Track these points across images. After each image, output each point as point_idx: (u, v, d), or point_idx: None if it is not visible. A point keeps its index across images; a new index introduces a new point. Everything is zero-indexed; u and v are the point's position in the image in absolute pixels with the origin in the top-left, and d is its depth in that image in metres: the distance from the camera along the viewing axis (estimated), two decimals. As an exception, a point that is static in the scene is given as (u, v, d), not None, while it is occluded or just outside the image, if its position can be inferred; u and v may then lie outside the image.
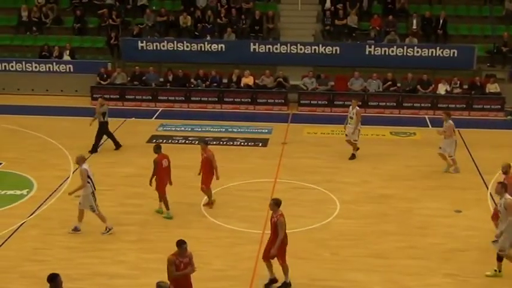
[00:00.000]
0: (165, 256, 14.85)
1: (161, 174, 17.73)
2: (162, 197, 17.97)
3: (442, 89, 28.43)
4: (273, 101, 28.77)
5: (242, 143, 24.14)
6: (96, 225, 17.27)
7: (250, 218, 17.79)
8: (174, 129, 25.70)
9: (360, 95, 28.28)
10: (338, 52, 29.67)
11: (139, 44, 30.42)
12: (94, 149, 22.68)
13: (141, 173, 20.69)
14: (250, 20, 31.30)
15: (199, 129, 25.56)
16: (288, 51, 29.89)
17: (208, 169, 18.31)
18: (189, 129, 25.69)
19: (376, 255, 15.87)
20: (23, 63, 30.76)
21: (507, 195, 14.77)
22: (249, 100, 28.78)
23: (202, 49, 30.17)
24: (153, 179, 17.76)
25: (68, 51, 30.81)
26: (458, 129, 24.63)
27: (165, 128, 25.79)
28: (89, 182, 16.66)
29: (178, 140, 24.33)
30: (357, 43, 30.39)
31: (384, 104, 28.33)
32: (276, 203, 14.29)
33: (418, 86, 28.48)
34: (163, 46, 30.35)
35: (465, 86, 28.65)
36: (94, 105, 28.79)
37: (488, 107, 28.12)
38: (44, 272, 14.66)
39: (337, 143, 24.07)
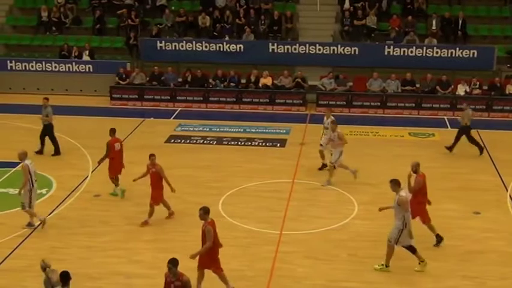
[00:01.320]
0: (181, 256, 14.86)
1: (113, 157, 19.06)
2: (111, 178, 19.22)
3: (461, 89, 28.27)
4: (291, 101, 28.75)
5: (260, 144, 24.14)
6: (114, 225, 17.37)
7: (268, 219, 17.78)
8: (192, 129, 25.75)
9: (379, 96, 28.22)
10: (357, 52, 29.59)
11: (158, 44, 30.52)
12: (57, 151, 22.63)
13: (159, 173, 20.81)
14: (269, 20, 31.28)
15: (218, 130, 25.59)
16: (307, 51, 29.85)
17: (158, 184, 17.23)
18: (207, 129, 25.73)
19: (393, 257, 15.73)
20: (43, 63, 30.99)
21: (401, 192, 14.94)
22: (267, 100, 28.77)
23: (221, 49, 30.22)
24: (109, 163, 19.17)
25: (87, 52, 30.99)
26: (477, 130, 24.56)
27: (183, 128, 25.85)
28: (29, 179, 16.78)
29: (196, 140, 24.37)
30: (376, 44, 30.29)
31: (403, 104, 28.19)
32: (204, 211, 13.94)
33: (437, 87, 28.32)
34: (182, 46, 30.42)
35: (485, 87, 28.46)
36: (113, 105, 29.11)
37: (508, 108, 27.90)
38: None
39: (356, 144, 23.98)
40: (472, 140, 22.95)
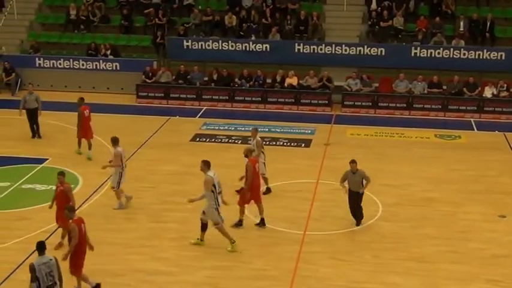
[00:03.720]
0: (204, 254, 15.02)
1: (83, 123, 21.92)
2: (79, 142, 22.20)
3: (488, 92, 28.04)
4: (316, 101, 28.71)
5: (285, 143, 24.15)
6: (138, 222, 17.50)
7: (292, 219, 17.80)
8: (217, 128, 25.84)
9: (405, 97, 28.10)
10: (383, 53, 29.45)
11: (185, 43, 30.64)
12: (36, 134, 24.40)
13: (184, 171, 20.95)
14: (295, 20, 31.28)
15: (243, 129, 25.62)
16: (333, 52, 29.77)
17: (64, 204, 15.27)
18: (233, 128, 25.80)
19: (417, 259, 15.74)
20: (71, 60, 31.28)
21: (208, 173, 15.67)
22: (293, 100, 28.75)
23: (247, 49, 30.25)
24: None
25: (109, 51, 31.23)
26: (504, 133, 24.38)
27: (208, 127, 25.95)
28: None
29: (221, 139, 24.45)
30: (403, 44, 30.12)
31: (429, 106, 28.02)
32: (69, 210, 13.98)
33: (464, 89, 28.12)
34: (209, 45, 30.52)
35: (512, 89, 28.25)
36: (139, 103, 29.30)
37: (536, 111, 27.65)
38: (87, 267, 14.95)
39: (380, 145, 23.95)
40: None
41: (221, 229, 15.95)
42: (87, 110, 22.36)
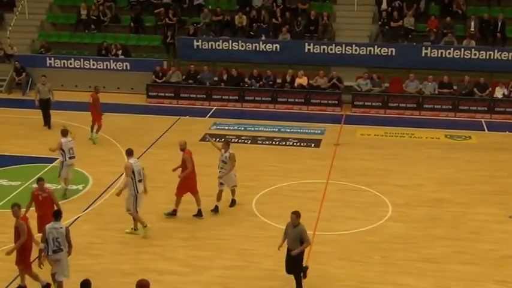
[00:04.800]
0: (214, 254, 15.02)
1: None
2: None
3: (499, 92, 27.96)
4: (326, 101, 28.68)
5: (295, 143, 24.14)
6: (148, 221, 17.50)
7: (301, 219, 17.65)
8: (227, 128, 25.86)
9: (415, 97, 28.04)
10: (393, 53, 29.41)
11: (195, 43, 30.69)
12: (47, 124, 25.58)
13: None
14: (306, 20, 31.26)
15: (252, 129, 25.65)
16: (343, 52, 29.75)
17: (50, 210, 14.79)
18: (242, 128, 25.81)
19: (427, 260, 15.70)
20: (81, 60, 31.40)
21: (129, 160, 16.46)
22: (303, 100, 28.75)
23: (257, 49, 30.27)
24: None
25: (120, 51, 31.32)
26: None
27: (218, 127, 25.97)
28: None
29: (231, 139, 24.32)
30: (413, 45, 30.06)
31: (440, 106, 27.96)
32: (18, 207, 13.90)
33: (475, 89, 28.04)
34: (219, 45, 30.56)
35: (523, 90, 28.14)
36: (149, 103, 29.38)
37: (546, 111, 27.54)
38: (98, 266, 15.07)
39: (391, 146, 23.91)
40: None
41: (133, 215, 16.72)
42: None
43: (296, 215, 13.90)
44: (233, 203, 18.64)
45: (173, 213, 17.85)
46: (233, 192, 18.57)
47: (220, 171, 18.10)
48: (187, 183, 17.67)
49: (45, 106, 25.62)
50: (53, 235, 13.36)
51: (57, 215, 13.64)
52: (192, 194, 17.81)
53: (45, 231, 13.44)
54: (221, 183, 18.13)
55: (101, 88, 25.89)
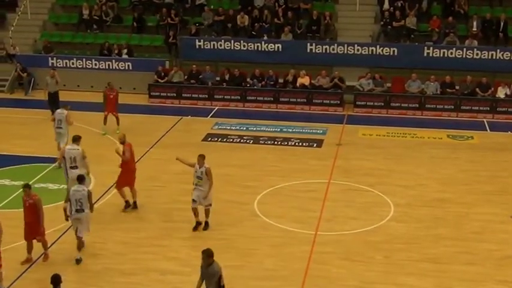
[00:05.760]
0: (215, 254, 14.90)
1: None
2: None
3: (501, 92, 27.91)
4: (328, 101, 28.66)
5: (297, 143, 24.12)
6: (150, 221, 17.52)
7: (303, 219, 17.78)
8: (229, 128, 25.84)
9: (417, 97, 28.02)
10: (396, 53, 29.37)
11: (197, 43, 30.68)
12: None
13: (196, 171, 20.95)
14: (308, 20, 31.24)
15: (254, 129, 25.64)
16: (345, 51, 29.72)
17: (35, 217, 15.20)
18: (244, 128, 25.79)
19: (429, 260, 15.68)
20: (83, 60, 31.41)
21: (68, 145, 17.59)
22: (305, 100, 28.72)
23: (259, 49, 30.25)
24: None
25: (125, 50, 31.33)
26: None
27: (220, 127, 25.96)
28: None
29: (233, 139, 24.45)
30: (415, 44, 30.02)
31: (442, 106, 27.91)
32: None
33: (477, 89, 28.00)
34: (221, 45, 30.54)
35: (525, 90, 28.09)
36: (151, 103, 29.38)
37: (549, 111, 27.49)
38: (98, 266, 15.08)
39: (393, 145, 23.88)
40: None
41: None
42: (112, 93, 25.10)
43: (206, 254, 12.22)
44: (206, 225, 17.04)
45: (128, 206, 18.20)
46: (207, 212, 16.95)
47: (195, 188, 16.65)
48: (127, 176, 18.02)
49: (54, 99, 26.03)
50: (75, 196, 15.12)
51: (81, 179, 15.41)
52: (130, 187, 18.15)
53: (69, 193, 15.31)
54: (194, 200, 16.69)
55: (103, 88, 25.99)
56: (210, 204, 16.95)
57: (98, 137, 24.18)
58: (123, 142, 18.03)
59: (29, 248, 15.48)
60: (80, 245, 15.41)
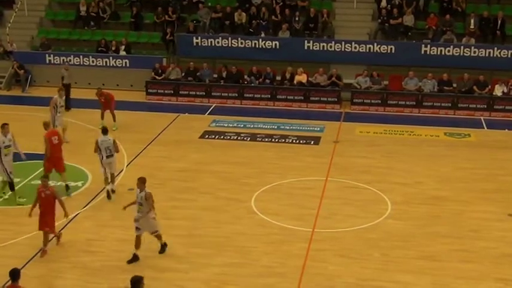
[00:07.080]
0: (213, 251, 15.00)
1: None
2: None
3: (498, 90, 27.94)
4: (326, 99, 28.66)
5: (294, 141, 24.12)
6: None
7: (300, 216, 17.79)
8: (226, 125, 25.83)
9: (415, 95, 28.04)
10: (393, 51, 29.37)
11: (194, 40, 30.66)
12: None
13: (193, 168, 20.98)
14: (305, 17, 31.24)
15: (252, 126, 25.63)
16: (343, 49, 29.70)
17: (52, 208, 15.63)
18: (242, 125, 25.79)
19: (427, 258, 15.70)
20: (81, 57, 31.36)
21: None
22: (302, 98, 28.71)
23: (257, 46, 30.23)
24: None
25: (123, 47, 31.31)
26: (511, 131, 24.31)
27: (217, 124, 25.95)
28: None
29: (230, 136, 24.45)
30: (413, 42, 30.03)
31: (439, 104, 27.92)
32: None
33: (474, 87, 28.03)
34: (218, 42, 30.53)
35: (523, 88, 28.12)
36: (149, 100, 29.37)
37: (546, 109, 27.52)
38: (96, 263, 15.06)
39: (390, 143, 23.89)
40: None
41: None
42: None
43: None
44: (162, 248, 15.74)
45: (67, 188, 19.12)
46: (158, 237, 15.64)
47: (137, 214, 15.21)
48: (54, 162, 18.97)
49: (68, 90, 26.85)
50: (104, 145, 18.44)
51: (105, 131, 18.71)
52: (59, 172, 19.09)
53: (97, 143, 18.45)
54: (137, 228, 15.23)
55: (100, 85, 25.99)
56: (157, 231, 15.51)
57: (94, 133, 24.06)
58: (46, 128, 19.50)
59: (45, 240, 15.59)
60: (113, 179, 18.90)
